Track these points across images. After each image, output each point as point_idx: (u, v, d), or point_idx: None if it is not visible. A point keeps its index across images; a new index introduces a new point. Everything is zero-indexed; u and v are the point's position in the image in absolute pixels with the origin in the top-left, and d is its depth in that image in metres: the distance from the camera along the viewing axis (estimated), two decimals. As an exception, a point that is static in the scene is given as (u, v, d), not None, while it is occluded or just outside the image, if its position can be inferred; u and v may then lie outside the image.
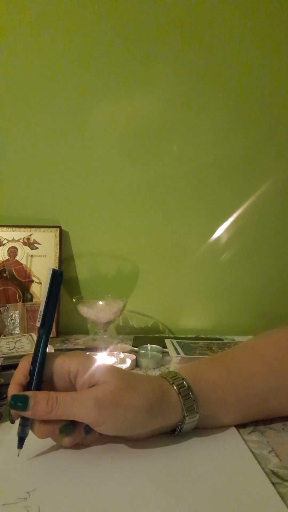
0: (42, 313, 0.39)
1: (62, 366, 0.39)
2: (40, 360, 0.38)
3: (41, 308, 0.39)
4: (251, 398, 0.44)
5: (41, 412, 0.36)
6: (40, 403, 0.36)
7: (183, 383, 0.41)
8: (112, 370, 0.40)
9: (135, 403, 0.38)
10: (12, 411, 0.37)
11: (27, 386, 0.38)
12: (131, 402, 0.38)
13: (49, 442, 0.40)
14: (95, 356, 0.64)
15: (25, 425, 0.37)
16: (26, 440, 0.38)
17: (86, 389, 0.38)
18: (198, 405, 0.41)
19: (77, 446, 0.40)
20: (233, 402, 0.43)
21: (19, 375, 0.39)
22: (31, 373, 0.38)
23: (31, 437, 0.38)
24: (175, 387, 0.41)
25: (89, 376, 0.39)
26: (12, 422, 0.37)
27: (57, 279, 0.38)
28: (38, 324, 0.39)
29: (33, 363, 0.38)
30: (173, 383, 0.41)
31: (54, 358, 0.40)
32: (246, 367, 0.45)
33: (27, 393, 0.37)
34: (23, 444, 0.37)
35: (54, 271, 0.38)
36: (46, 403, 0.36)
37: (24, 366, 0.39)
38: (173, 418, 0.40)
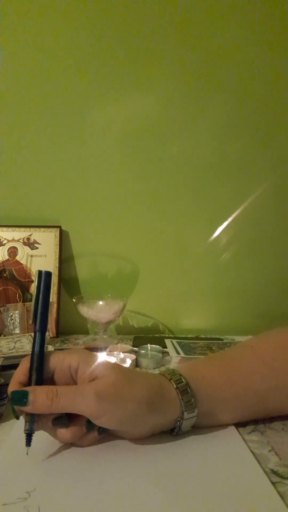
0: (33, 312, 0.41)
1: (63, 361, 0.40)
2: (37, 356, 0.39)
3: (32, 308, 0.41)
4: (250, 397, 0.44)
5: (42, 406, 0.36)
6: (40, 396, 0.36)
7: (181, 378, 0.42)
8: (112, 365, 0.41)
9: (135, 396, 0.38)
10: (16, 407, 0.37)
11: (28, 384, 0.39)
12: (131, 394, 0.38)
13: (49, 442, 0.40)
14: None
15: (32, 421, 0.37)
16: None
17: (87, 383, 0.39)
18: (196, 401, 0.41)
19: (77, 446, 0.40)
20: (232, 400, 0.43)
21: (20, 374, 0.39)
22: (30, 369, 0.39)
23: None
24: (173, 383, 0.41)
25: (90, 370, 0.39)
26: (17, 418, 0.38)
27: (46, 279, 0.41)
28: (30, 321, 0.41)
29: (31, 360, 0.39)
30: (171, 378, 0.42)
31: (54, 355, 0.40)
32: (244, 366, 0.45)
33: (26, 388, 0.37)
34: (31, 441, 0.37)
35: (40, 272, 0.41)
36: (45, 396, 0.36)
37: (25, 366, 0.40)
38: (172, 414, 0.40)
